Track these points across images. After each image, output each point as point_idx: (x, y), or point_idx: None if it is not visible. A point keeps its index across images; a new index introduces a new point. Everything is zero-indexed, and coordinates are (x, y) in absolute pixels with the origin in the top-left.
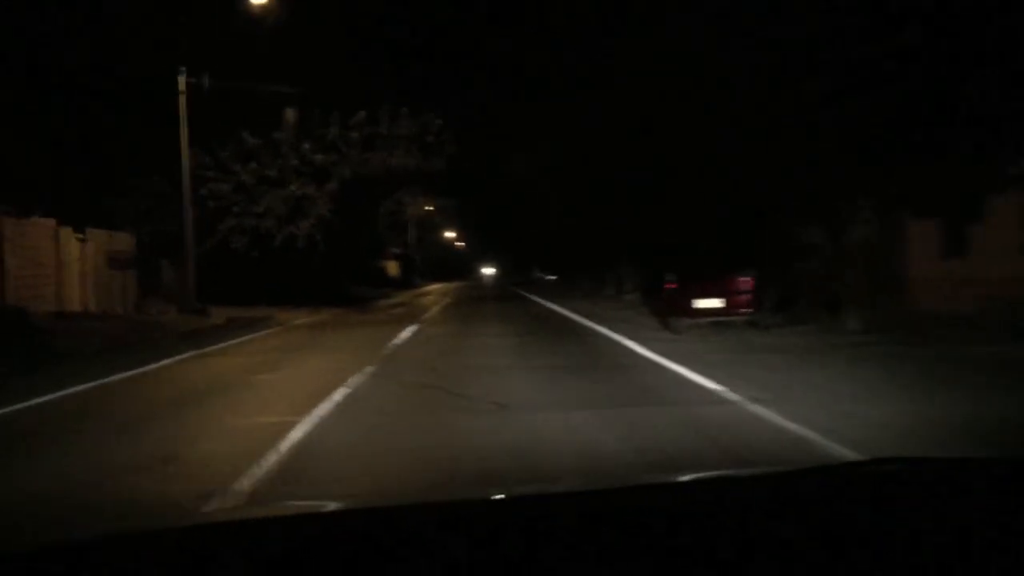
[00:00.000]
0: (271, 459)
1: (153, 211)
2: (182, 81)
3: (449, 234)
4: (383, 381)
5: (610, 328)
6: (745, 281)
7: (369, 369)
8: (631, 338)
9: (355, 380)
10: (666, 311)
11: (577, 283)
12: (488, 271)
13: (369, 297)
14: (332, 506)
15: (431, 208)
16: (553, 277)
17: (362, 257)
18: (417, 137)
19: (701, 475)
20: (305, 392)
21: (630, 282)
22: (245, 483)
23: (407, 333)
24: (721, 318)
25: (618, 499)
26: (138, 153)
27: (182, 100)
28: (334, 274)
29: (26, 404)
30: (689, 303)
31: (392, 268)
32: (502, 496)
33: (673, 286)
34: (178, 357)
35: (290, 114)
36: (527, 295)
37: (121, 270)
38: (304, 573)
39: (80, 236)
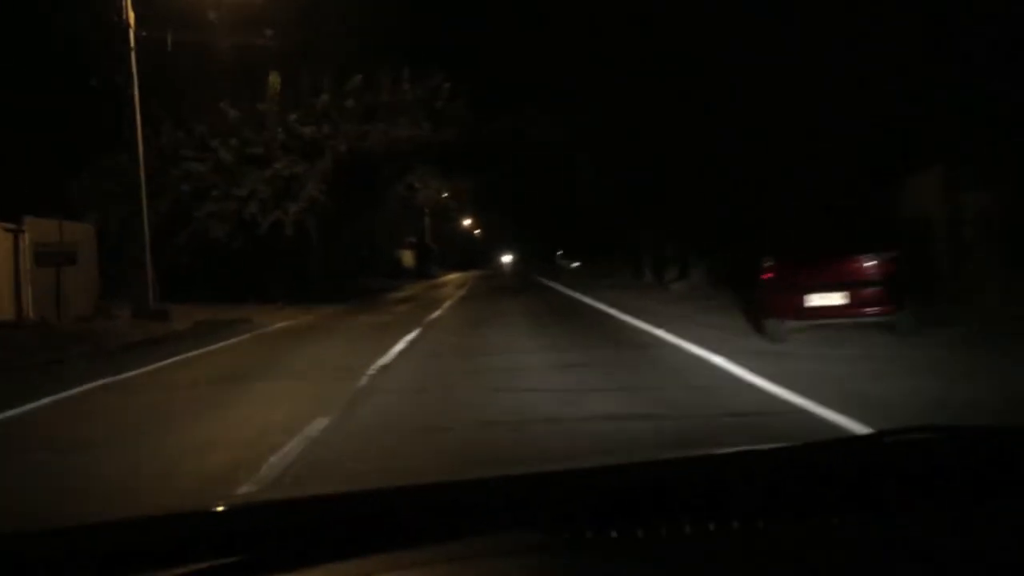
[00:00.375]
0: None
1: (123, 195)
2: (132, 34)
3: (466, 222)
4: (322, 469)
5: (681, 336)
6: (877, 265)
7: (316, 428)
8: (721, 353)
9: (279, 461)
10: (763, 309)
11: (605, 271)
12: (507, 259)
13: (377, 290)
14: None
15: (446, 195)
16: (577, 264)
17: (373, 246)
18: (424, 104)
19: (732, 449)
20: (179, 490)
21: (674, 268)
22: None
23: (404, 344)
24: (843, 319)
25: (649, 472)
26: (105, 129)
27: (132, 58)
28: (337, 265)
29: None
30: (799, 299)
31: (407, 258)
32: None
33: (770, 275)
34: (66, 393)
35: (274, 79)
36: (553, 286)
37: (55, 267)
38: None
39: (11, 227)
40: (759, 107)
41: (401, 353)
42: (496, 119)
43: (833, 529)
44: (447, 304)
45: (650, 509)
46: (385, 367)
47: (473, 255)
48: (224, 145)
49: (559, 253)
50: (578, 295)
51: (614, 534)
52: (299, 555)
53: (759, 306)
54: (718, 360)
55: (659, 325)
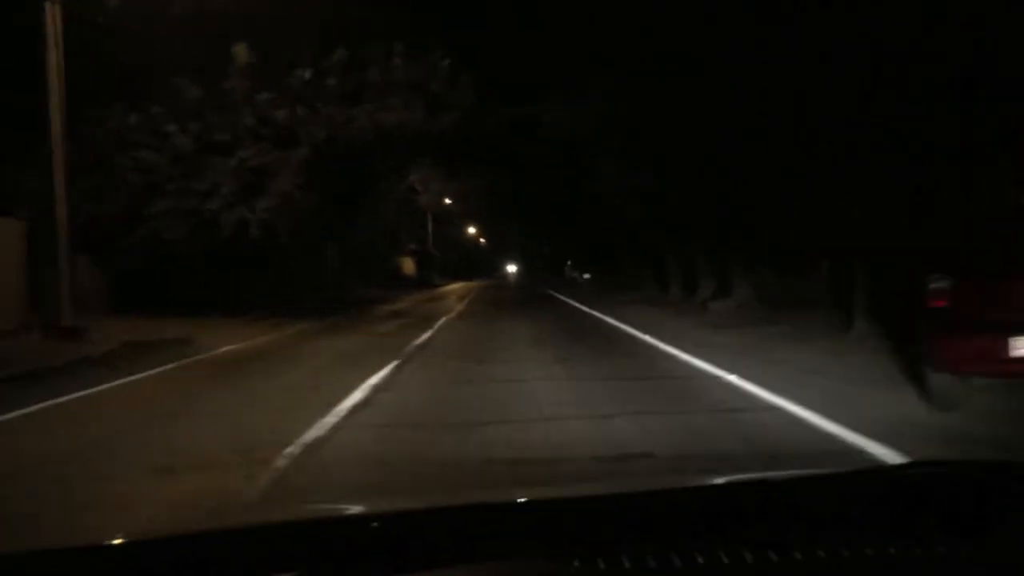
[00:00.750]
0: None
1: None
2: None
3: (471, 230)
4: None
5: (778, 390)
6: None
7: None
8: (876, 435)
9: None
10: (931, 356)
11: (621, 283)
12: (512, 269)
13: (367, 301)
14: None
15: (449, 202)
16: (587, 276)
17: (368, 252)
18: (419, 86)
19: (746, 477)
20: None
21: (707, 282)
22: None
23: (364, 391)
24: None
25: (667, 500)
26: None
27: (51, 12)
28: (326, 272)
29: None
30: (997, 343)
31: (408, 266)
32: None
33: (944, 303)
34: None
35: (241, 52)
36: (566, 300)
37: None
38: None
39: None
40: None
41: (352, 412)
42: (501, 110)
43: (855, 559)
44: (441, 322)
45: (668, 538)
46: (313, 448)
47: (477, 264)
48: (182, 130)
49: (569, 263)
50: (599, 313)
51: (627, 564)
52: None
53: (926, 351)
54: (887, 453)
55: (728, 367)
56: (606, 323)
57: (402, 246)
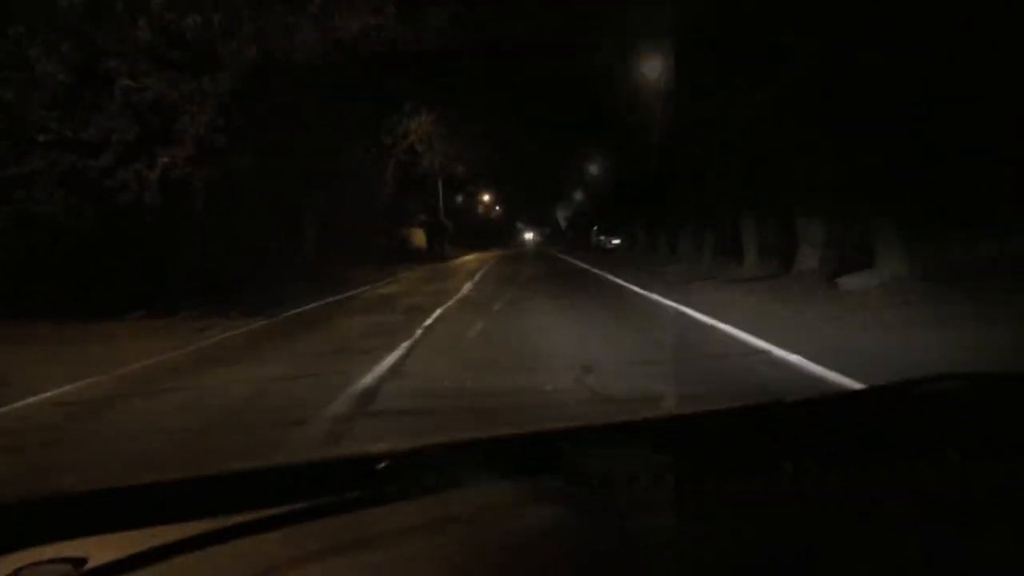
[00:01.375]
0: None
1: None
2: None
3: (486, 197)
4: None
5: None
6: None
7: None
8: None
9: None
10: None
11: (663, 251)
12: (529, 236)
13: (354, 283)
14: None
15: (457, 165)
16: (616, 241)
17: (364, 224)
18: None
19: (761, 400)
20: None
21: (810, 246)
22: None
23: None
24: None
25: (676, 426)
26: None
27: None
28: (300, 250)
29: None
30: None
31: (418, 237)
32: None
33: None
34: None
35: None
36: (605, 275)
37: None
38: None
39: None
40: None
41: None
42: (509, 15)
43: (863, 479)
44: (434, 317)
45: (679, 461)
46: None
47: (493, 233)
48: (52, 54)
49: (595, 228)
50: (666, 300)
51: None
52: (325, 506)
53: None
54: None
55: None
56: (690, 320)
57: (410, 216)
